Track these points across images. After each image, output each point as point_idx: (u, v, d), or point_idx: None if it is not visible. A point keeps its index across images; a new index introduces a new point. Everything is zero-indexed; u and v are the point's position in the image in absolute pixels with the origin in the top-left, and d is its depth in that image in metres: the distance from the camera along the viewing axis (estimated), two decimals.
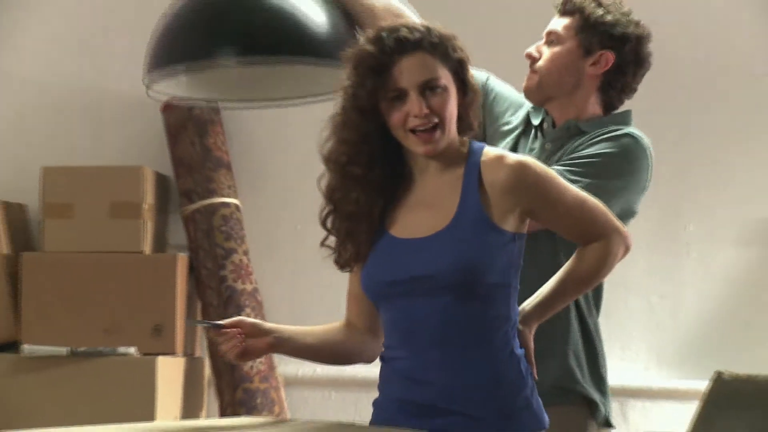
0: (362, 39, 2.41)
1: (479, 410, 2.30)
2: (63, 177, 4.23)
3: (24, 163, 4.42)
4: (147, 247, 4.20)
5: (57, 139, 4.53)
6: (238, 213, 4.35)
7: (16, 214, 4.37)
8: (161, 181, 4.38)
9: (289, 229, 4.42)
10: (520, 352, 2.38)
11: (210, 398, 4.35)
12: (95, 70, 4.55)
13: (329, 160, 2.43)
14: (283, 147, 4.46)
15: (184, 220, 4.33)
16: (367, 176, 2.41)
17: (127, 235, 4.18)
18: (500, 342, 2.34)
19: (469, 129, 2.46)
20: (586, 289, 2.56)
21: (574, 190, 2.42)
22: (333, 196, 2.44)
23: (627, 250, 2.47)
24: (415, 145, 2.37)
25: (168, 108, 4.34)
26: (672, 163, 4.21)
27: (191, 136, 4.32)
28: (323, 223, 2.45)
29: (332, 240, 2.47)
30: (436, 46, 2.37)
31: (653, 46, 2.98)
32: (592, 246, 2.44)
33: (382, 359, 2.45)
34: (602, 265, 2.45)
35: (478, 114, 2.48)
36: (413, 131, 2.36)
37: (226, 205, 4.30)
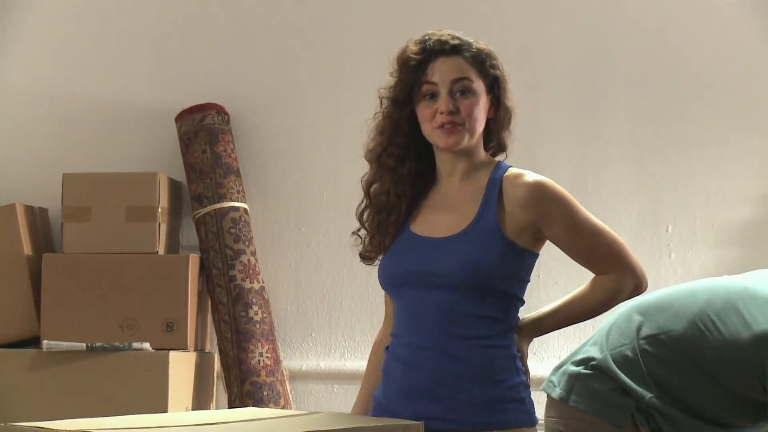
0: (410, 41, 2.49)
1: (468, 397, 2.37)
2: (82, 183, 4.25)
3: (46, 170, 4.44)
4: (161, 249, 4.22)
5: (77, 147, 4.53)
6: (247, 216, 4.37)
7: (38, 217, 4.36)
8: (174, 186, 4.40)
9: (294, 231, 4.47)
10: (515, 353, 2.42)
11: (219, 391, 4.33)
12: (113, 82, 4.57)
13: (368, 152, 2.55)
14: (289, 155, 4.49)
15: (195, 223, 4.35)
16: (398, 169, 2.50)
17: (142, 237, 4.20)
18: (495, 340, 2.40)
19: (500, 150, 2.54)
20: (589, 318, 2.54)
21: (595, 220, 2.44)
22: (369, 189, 2.55)
23: (638, 288, 2.47)
24: (438, 139, 2.44)
25: (181, 117, 4.40)
26: (651, 168, 4.29)
27: (202, 144, 4.35)
28: (359, 217, 2.56)
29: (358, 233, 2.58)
30: (475, 57, 2.45)
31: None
32: (603, 279, 2.46)
33: (387, 350, 2.52)
34: (610, 299, 2.47)
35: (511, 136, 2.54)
36: (439, 127, 2.43)
37: (235, 209, 4.33)
